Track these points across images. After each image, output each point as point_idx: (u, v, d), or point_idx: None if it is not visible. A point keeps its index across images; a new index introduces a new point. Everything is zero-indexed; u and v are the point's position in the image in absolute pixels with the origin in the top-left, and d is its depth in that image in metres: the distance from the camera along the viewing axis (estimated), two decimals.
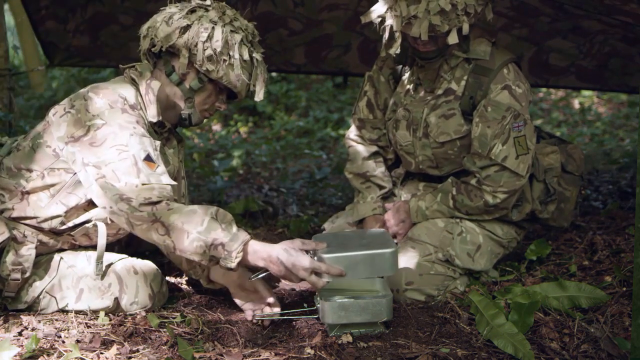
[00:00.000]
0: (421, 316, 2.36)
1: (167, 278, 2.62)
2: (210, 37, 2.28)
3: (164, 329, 2.19)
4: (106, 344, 2.07)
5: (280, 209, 4.22)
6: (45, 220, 2.28)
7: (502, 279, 2.65)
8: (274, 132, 7.21)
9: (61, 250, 2.37)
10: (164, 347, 2.08)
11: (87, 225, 2.31)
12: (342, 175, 4.90)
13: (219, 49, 2.29)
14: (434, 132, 2.66)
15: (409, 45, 2.61)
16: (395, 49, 2.60)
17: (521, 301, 2.30)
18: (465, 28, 2.44)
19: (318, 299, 2.24)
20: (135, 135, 2.17)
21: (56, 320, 2.25)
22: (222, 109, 2.48)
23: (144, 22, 2.39)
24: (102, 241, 2.30)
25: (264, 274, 2.24)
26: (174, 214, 2.09)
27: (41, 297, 2.29)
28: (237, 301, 2.37)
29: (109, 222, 2.29)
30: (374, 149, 2.89)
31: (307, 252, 2.15)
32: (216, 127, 7.45)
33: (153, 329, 2.20)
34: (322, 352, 2.05)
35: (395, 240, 2.75)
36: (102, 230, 2.30)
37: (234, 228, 2.12)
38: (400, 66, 2.79)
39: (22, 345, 2.00)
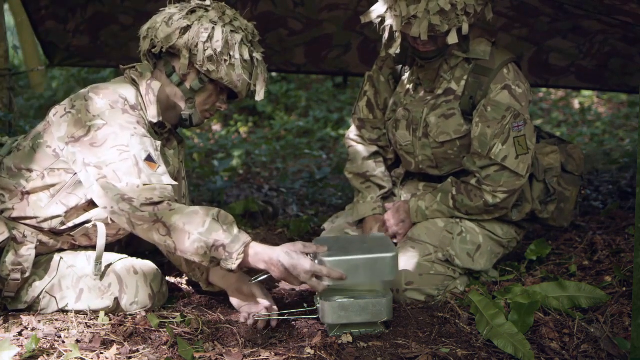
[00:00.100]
0: (421, 316, 2.36)
1: (167, 278, 2.62)
2: (210, 38, 2.29)
3: (164, 329, 2.19)
4: (106, 344, 2.07)
5: (280, 209, 4.22)
6: (45, 220, 2.28)
7: (502, 279, 2.65)
8: (274, 132, 7.21)
9: (61, 250, 2.37)
10: (164, 347, 2.08)
11: (87, 225, 2.31)
12: (342, 175, 4.90)
13: (219, 49, 2.29)
14: (433, 132, 2.66)
15: (409, 45, 2.61)
16: (395, 49, 2.60)
17: (521, 301, 2.30)
18: (465, 28, 2.44)
19: (318, 299, 2.24)
20: (136, 135, 2.18)
21: (56, 320, 2.25)
22: (223, 109, 2.48)
23: (144, 22, 2.39)
24: (101, 241, 2.30)
25: (265, 277, 2.24)
26: (175, 215, 2.10)
27: (41, 297, 2.29)
28: (235, 304, 2.37)
29: (110, 222, 2.29)
30: (374, 149, 2.89)
31: (307, 255, 2.15)
32: (216, 127, 7.46)
33: (153, 329, 2.20)
34: (322, 352, 2.05)
35: (395, 240, 2.75)
36: (102, 231, 2.30)
37: (235, 230, 2.12)
38: (400, 66, 2.79)
39: (22, 345, 2.00)
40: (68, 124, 2.22)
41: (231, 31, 2.32)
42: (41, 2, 3.95)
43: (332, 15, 4.00)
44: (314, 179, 5.09)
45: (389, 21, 2.50)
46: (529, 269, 2.76)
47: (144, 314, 2.32)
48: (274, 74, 7.90)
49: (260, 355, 2.04)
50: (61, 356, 1.99)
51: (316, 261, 2.16)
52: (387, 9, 2.49)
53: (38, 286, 2.28)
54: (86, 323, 2.23)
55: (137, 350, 2.05)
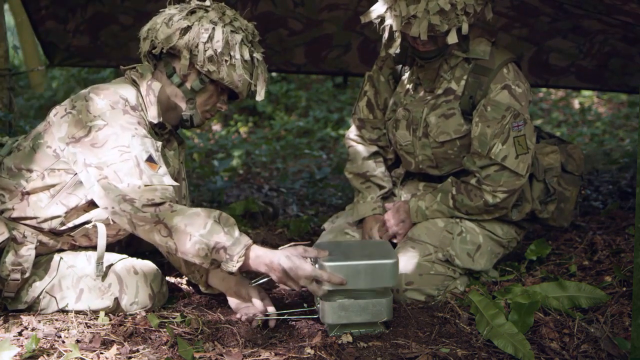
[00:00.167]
0: (421, 316, 2.36)
1: (167, 278, 2.62)
2: (211, 38, 2.29)
3: (164, 329, 2.19)
4: (106, 344, 2.07)
5: (280, 209, 4.22)
6: (45, 220, 2.28)
7: (502, 279, 2.65)
8: (274, 132, 7.21)
9: (61, 250, 2.37)
10: (164, 347, 2.08)
11: (87, 226, 2.31)
12: (342, 175, 4.91)
13: (219, 50, 2.29)
14: (433, 132, 2.66)
15: (409, 45, 2.61)
16: (395, 49, 2.60)
17: (521, 301, 2.30)
18: (465, 28, 2.44)
19: (318, 299, 2.24)
20: (137, 136, 2.18)
21: (56, 320, 2.25)
22: (224, 109, 2.48)
23: (144, 22, 2.39)
24: (102, 242, 2.30)
25: (265, 280, 2.24)
26: (177, 216, 2.10)
27: (41, 297, 2.29)
28: (233, 306, 2.37)
29: (111, 222, 2.29)
30: (374, 149, 2.89)
31: (308, 259, 2.16)
32: (216, 127, 7.46)
33: (153, 329, 2.20)
34: (322, 352, 2.05)
35: (395, 240, 2.75)
36: (102, 231, 2.30)
37: (237, 232, 2.12)
38: (400, 66, 2.79)
39: (22, 345, 2.00)
40: (68, 124, 2.22)
41: (231, 31, 2.32)
42: (41, 2, 3.95)
43: (332, 15, 4.00)
44: (314, 179, 5.09)
45: (388, 21, 2.50)
46: (529, 269, 2.76)
47: (144, 314, 2.32)
48: (274, 74, 7.90)
49: (260, 355, 2.04)
50: (61, 356, 1.99)
51: (317, 265, 2.16)
52: (387, 9, 2.49)
53: (38, 286, 2.28)
54: (86, 323, 2.23)
55: (137, 350, 2.05)
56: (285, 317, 2.29)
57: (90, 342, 2.08)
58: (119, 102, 2.22)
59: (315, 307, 2.26)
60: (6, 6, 5.41)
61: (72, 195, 2.26)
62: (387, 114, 2.82)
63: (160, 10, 2.39)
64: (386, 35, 2.55)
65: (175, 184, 2.21)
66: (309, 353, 2.05)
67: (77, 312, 2.30)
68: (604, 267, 2.69)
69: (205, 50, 2.29)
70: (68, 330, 2.17)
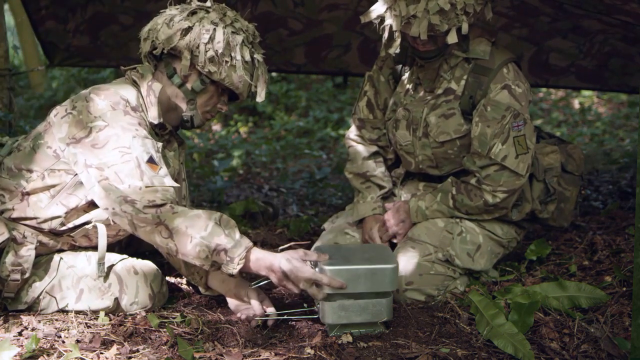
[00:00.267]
0: (421, 316, 2.36)
1: (167, 278, 2.62)
2: (212, 39, 2.28)
3: (164, 329, 2.19)
4: (106, 344, 2.07)
5: (280, 209, 4.22)
6: (45, 221, 2.28)
7: (502, 279, 2.65)
8: (274, 132, 7.21)
9: (61, 250, 2.37)
10: (164, 347, 2.08)
11: (87, 226, 2.31)
12: (342, 175, 4.91)
13: (220, 51, 2.29)
14: (433, 132, 2.66)
15: (409, 45, 2.61)
16: (395, 49, 2.59)
17: (521, 301, 2.30)
18: (465, 27, 2.44)
19: None
20: (137, 137, 2.18)
21: (56, 320, 2.25)
22: (224, 110, 2.48)
23: (144, 22, 2.39)
24: (102, 243, 2.30)
25: (265, 282, 2.25)
26: (178, 218, 2.10)
27: (41, 297, 2.29)
28: (233, 308, 2.38)
29: (111, 223, 2.29)
30: (374, 149, 2.89)
31: (308, 262, 2.16)
32: (216, 127, 7.46)
33: (153, 329, 2.20)
34: (322, 352, 2.05)
35: (395, 240, 2.75)
36: (102, 232, 2.30)
37: (237, 234, 2.13)
38: (400, 66, 2.79)
39: (22, 345, 2.00)
40: (69, 124, 2.22)
41: (232, 32, 2.32)
42: (41, 2, 3.95)
43: (332, 15, 4.00)
44: (314, 179, 5.09)
45: (388, 21, 2.50)
46: (529, 269, 2.76)
47: (144, 314, 2.32)
48: (274, 74, 7.90)
49: (260, 355, 2.04)
50: (61, 356, 1.99)
51: (317, 269, 2.16)
52: (387, 9, 2.49)
53: (38, 287, 2.28)
54: (86, 323, 2.23)
55: (137, 350, 2.05)
56: (285, 317, 2.29)
57: (90, 342, 2.08)
58: (120, 103, 2.22)
59: (315, 307, 2.26)
60: (6, 6, 5.41)
61: (72, 196, 2.26)
62: (387, 114, 2.82)
63: (161, 11, 2.38)
64: (386, 35, 2.55)
65: (176, 185, 2.21)
66: (309, 353, 2.05)
67: (77, 312, 2.30)
68: (604, 267, 2.69)
69: (207, 51, 2.29)
70: (68, 330, 2.17)
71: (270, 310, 2.28)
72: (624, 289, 2.43)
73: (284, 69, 5.09)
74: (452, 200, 2.64)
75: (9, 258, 2.22)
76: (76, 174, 2.23)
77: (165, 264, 2.61)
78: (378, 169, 2.86)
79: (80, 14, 4.05)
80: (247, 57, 2.33)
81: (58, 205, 2.26)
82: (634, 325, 1.87)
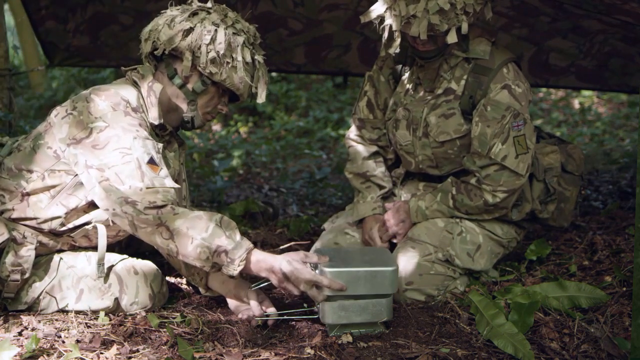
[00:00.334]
0: (421, 316, 2.36)
1: (167, 278, 2.62)
2: (213, 40, 2.29)
3: (164, 329, 2.19)
4: (106, 344, 2.07)
5: (280, 209, 4.22)
6: (45, 221, 2.28)
7: (502, 279, 2.65)
8: (274, 132, 7.21)
9: (61, 251, 2.37)
10: (164, 347, 2.08)
11: (87, 227, 2.31)
12: (342, 175, 4.91)
13: (222, 52, 2.29)
14: (433, 132, 2.66)
15: (409, 45, 2.62)
16: (395, 49, 2.60)
17: (521, 301, 2.30)
18: (464, 27, 2.44)
19: None
20: (138, 138, 2.18)
21: (56, 320, 2.25)
22: (224, 111, 2.48)
23: (144, 22, 2.39)
24: (102, 243, 2.30)
25: (265, 284, 2.25)
26: (179, 219, 2.10)
27: (41, 297, 2.29)
28: (233, 309, 2.38)
29: (111, 224, 2.29)
30: (374, 149, 2.89)
31: (308, 264, 2.16)
32: (216, 127, 7.46)
33: (153, 329, 2.20)
34: (322, 352, 2.05)
35: (395, 240, 2.75)
36: (102, 232, 2.30)
37: (238, 236, 2.13)
38: (400, 66, 2.79)
39: (22, 345, 2.00)
40: (69, 125, 2.22)
41: (233, 33, 2.32)
42: (41, 2, 3.95)
43: (332, 15, 3.99)
44: (314, 179, 5.09)
45: (388, 21, 2.50)
46: (529, 269, 2.76)
47: (144, 314, 2.32)
48: (274, 74, 7.90)
49: (260, 355, 2.05)
50: (61, 356, 1.99)
51: (317, 271, 2.16)
52: (387, 9, 2.49)
53: (38, 287, 2.28)
54: (86, 323, 2.23)
55: (137, 350, 2.05)
56: (285, 317, 2.29)
57: (90, 342, 2.08)
58: (120, 104, 2.22)
59: (315, 307, 2.26)
60: (6, 6, 5.41)
61: (72, 196, 2.26)
62: (387, 114, 2.82)
63: (162, 12, 2.38)
64: (386, 35, 2.55)
65: (177, 186, 2.21)
66: (309, 353, 2.05)
67: (77, 312, 2.30)
68: (604, 267, 2.69)
69: (208, 52, 2.29)
70: (68, 330, 2.17)
71: (271, 310, 2.28)
72: (624, 289, 2.43)
73: (284, 69, 5.09)
74: (452, 200, 2.64)
75: (9, 258, 2.22)
76: (76, 175, 2.23)
77: (165, 264, 2.61)
78: (378, 169, 2.86)
79: (80, 14, 4.05)
80: (248, 59, 2.33)
81: (58, 206, 2.26)
82: (634, 325, 1.87)
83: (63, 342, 2.08)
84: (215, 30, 2.29)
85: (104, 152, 2.15)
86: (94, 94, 2.24)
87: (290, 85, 8.23)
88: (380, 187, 2.85)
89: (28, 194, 2.26)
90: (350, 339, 2.15)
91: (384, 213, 2.80)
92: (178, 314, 2.33)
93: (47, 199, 2.26)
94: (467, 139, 2.64)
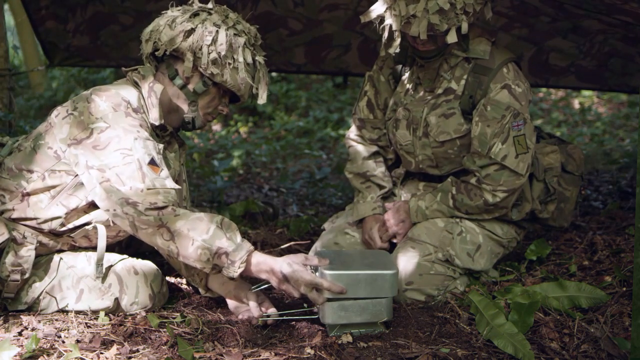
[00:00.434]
0: (421, 316, 2.36)
1: (167, 278, 2.62)
2: (214, 41, 2.29)
3: (164, 329, 2.19)
4: (106, 344, 2.07)
5: (280, 209, 4.22)
6: (45, 221, 2.28)
7: (502, 279, 2.65)
8: (274, 132, 7.21)
9: (61, 251, 2.37)
10: (164, 347, 2.08)
11: (87, 227, 2.31)
12: (342, 175, 4.91)
13: (223, 53, 2.29)
14: (433, 132, 2.66)
15: (409, 45, 2.62)
16: (395, 49, 2.60)
17: (521, 301, 2.30)
18: (464, 27, 2.44)
19: None
20: (139, 139, 2.18)
21: (56, 320, 2.25)
22: (225, 112, 2.48)
23: (144, 22, 2.39)
24: (102, 243, 2.30)
25: (265, 286, 2.25)
26: (180, 220, 2.10)
27: (41, 297, 2.29)
28: (232, 309, 2.38)
29: (112, 224, 2.29)
30: (374, 148, 2.89)
31: (309, 267, 2.17)
32: (216, 127, 7.46)
33: (153, 329, 2.20)
34: (322, 352, 2.05)
35: (395, 240, 2.75)
36: (102, 233, 2.30)
37: (239, 238, 2.13)
38: (400, 66, 2.79)
39: (22, 345, 2.00)
40: (70, 125, 2.22)
41: (234, 34, 2.32)
42: (41, 2, 3.94)
43: (332, 15, 3.99)
44: (314, 179, 5.09)
45: (388, 21, 2.50)
46: (529, 269, 2.76)
47: (144, 314, 2.32)
48: (274, 74, 7.90)
49: (260, 355, 2.05)
50: (61, 356, 1.99)
51: (317, 274, 2.17)
52: (387, 9, 2.49)
53: (38, 287, 2.28)
54: (86, 323, 2.23)
55: (137, 350, 2.05)
56: (285, 317, 2.29)
57: (90, 342, 2.08)
58: (121, 105, 2.22)
59: (315, 307, 2.26)
60: (6, 6, 5.41)
61: (73, 197, 2.26)
62: (387, 114, 2.82)
63: (163, 12, 2.38)
64: (386, 35, 2.55)
65: (178, 187, 2.22)
66: (309, 353, 2.05)
67: (77, 312, 2.30)
68: (604, 267, 2.69)
69: (209, 53, 2.29)
70: (68, 330, 2.17)
71: (271, 311, 2.29)
72: (624, 289, 2.43)
73: (284, 69, 5.09)
74: (452, 200, 2.64)
75: (9, 258, 2.22)
76: (77, 175, 2.23)
77: (165, 264, 2.61)
78: (378, 169, 2.86)
79: (80, 14, 4.05)
80: (249, 60, 2.34)
81: (58, 206, 2.26)
82: (634, 325, 1.87)
83: (63, 342, 2.08)
84: (217, 31, 2.29)
85: (104, 152, 2.16)
86: (94, 95, 2.24)
87: (290, 85, 8.23)
88: (380, 187, 2.85)
89: (28, 194, 2.27)
90: (350, 339, 2.15)
91: (384, 213, 2.80)
92: (178, 314, 2.33)
93: (47, 199, 2.26)
94: (467, 138, 2.64)
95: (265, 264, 2.13)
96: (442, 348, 2.10)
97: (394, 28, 2.49)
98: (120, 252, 2.52)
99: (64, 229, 2.30)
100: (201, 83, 2.37)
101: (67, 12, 4.03)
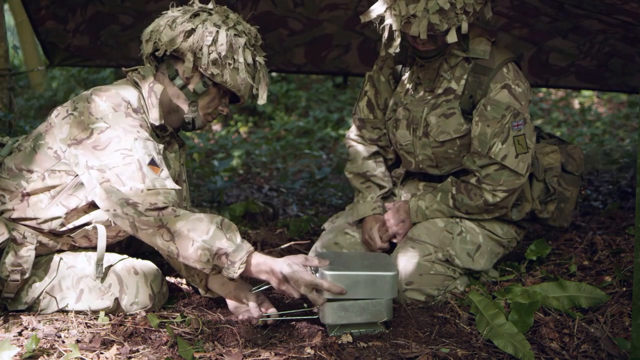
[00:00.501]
0: (421, 316, 2.36)
1: (167, 278, 2.62)
2: (215, 41, 2.29)
3: (164, 329, 2.19)
4: (106, 344, 2.07)
5: (280, 209, 4.22)
6: (45, 221, 2.28)
7: (502, 279, 2.65)
8: (274, 132, 7.21)
9: (61, 251, 2.37)
10: (164, 347, 2.08)
11: (87, 227, 2.31)
12: (342, 175, 4.91)
13: (223, 53, 2.29)
14: (434, 132, 2.66)
15: (409, 45, 2.62)
16: (395, 49, 2.60)
17: (521, 301, 2.30)
18: (464, 27, 2.44)
19: None
20: (139, 139, 2.18)
21: (56, 320, 2.25)
22: (225, 112, 2.49)
23: (144, 22, 2.39)
24: (102, 243, 2.30)
25: (266, 287, 2.25)
26: (180, 221, 2.10)
27: (41, 297, 2.29)
28: (232, 310, 2.38)
29: (112, 224, 2.29)
30: (374, 148, 2.89)
31: (309, 268, 2.17)
32: (216, 127, 7.46)
33: (153, 329, 2.20)
34: (322, 352, 2.05)
35: (395, 240, 2.75)
36: (102, 233, 2.30)
37: (239, 238, 2.13)
38: (401, 66, 2.79)
39: (22, 345, 2.00)
40: (70, 125, 2.22)
41: (235, 35, 2.32)
42: (41, 2, 3.94)
43: (332, 15, 3.99)
44: (314, 179, 5.09)
45: (388, 20, 2.50)
46: (529, 269, 2.76)
47: (144, 314, 2.32)
48: (274, 74, 7.90)
49: (260, 355, 2.05)
50: (61, 356, 1.99)
51: (317, 274, 2.17)
52: (387, 9, 2.49)
53: (38, 287, 2.28)
54: (86, 323, 2.23)
55: (137, 350, 2.05)
56: (286, 317, 2.29)
57: (90, 342, 2.08)
58: (122, 105, 2.22)
59: (315, 307, 2.26)
60: (6, 6, 5.41)
61: (73, 197, 2.26)
62: (387, 114, 2.82)
63: (163, 12, 2.38)
64: (386, 35, 2.55)
65: (178, 187, 2.22)
66: (309, 353, 2.05)
67: (77, 312, 2.30)
68: (604, 267, 2.69)
69: (210, 54, 2.29)
70: (68, 330, 2.17)
71: (271, 311, 2.29)
72: (624, 289, 2.43)
73: (284, 69, 5.09)
74: (452, 200, 2.64)
75: (9, 258, 2.22)
76: (77, 175, 2.23)
77: (165, 264, 2.61)
78: (378, 169, 2.86)
79: (80, 14, 4.04)
80: (250, 60, 2.34)
81: (58, 206, 2.26)
82: (634, 325, 1.87)
83: (63, 342, 2.08)
84: (217, 32, 2.29)
85: (104, 153, 2.16)
86: (94, 95, 2.24)
87: (290, 85, 8.23)
88: (380, 187, 2.85)
89: (28, 194, 2.26)
90: (350, 339, 2.15)
91: (384, 213, 2.80)
92: (178, 314, 2.33)
93: (47, 199, 2.26)
94: (467, 138, 2.64)
95: (265, 264, 2.14)
96: (442, 348, 2.10)
97: (394, 28, 2.49)
98: (120, 252, 2.52)
99: (64, 229, 2.30)
100: (201, 83, 2.37)
101: (67, 12, 4.03)
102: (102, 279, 2.30)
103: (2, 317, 2.24)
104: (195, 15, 2.33)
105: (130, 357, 2.01)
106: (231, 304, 2.38)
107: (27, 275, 2.24)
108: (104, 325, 2.22)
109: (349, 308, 2.18)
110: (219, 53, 2.29)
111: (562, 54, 3.96)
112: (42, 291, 2.28)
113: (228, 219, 2.19)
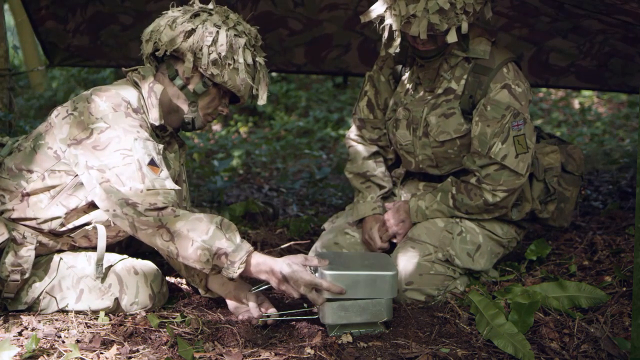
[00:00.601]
0: (421, 316, 2.36)
1: (167, 278, 2.62)
2: (215, 41, 2.29)
3: (164, 329, 2.19)
4: (106, 344, 2.07)
5: (280, 209, 4.22)
6: (45, 221, 2.28)
7: (502, 279, 2.65)
8: (274, 132, 7.21)
9: (61, 251, 2.37)
10: (164, 347, 2.08)
11: (86, 227, 2.31)
12: (342, 175, 4.90)
13: (223, 53, 2.29)
14: (434, 132, 2.66)
15: (409, 45, 2.62)
16: (395, 49, 2.60)
17: (521, 301, 2.30)
18: (464, 27, 2.44)
19: None
20: (139, 139, 2.18)
21: (56, 320, 2.25)
22: (225, 113, 2.49)
23: (144, 22, 2.39)
24: (102, 243, 2.30)
25: (265, 287, 2.25)
26: (180, 221, 2.10)
27: (41, 297, 2.29)
28: (232, 310, 2.38)
29: (112, 225, 2.29)
30: (374, 148, 2.89)
31: (308, 268, 2.17)
32: (216, 127, 7.46)
33: (153, 329, 2.20)
34: (322, 352, 2.05)
35: (395, 240, 2.75)
36: (102, 233, 2.30)
37: (238, 238, 2.13)
38: (401, 66, 2.79)
39: (22, 345, 2.00)
40: (70, 125, 2.22)
41: (235, 35, 2.32)
42: (41, 2, 3.94)
43: (332, 15, 3.99)
44: (314, 179, 5.09)
45: (388, 20, 2.50)
46: (529, 269, 2.76)
47: (144, 314, 2.32)
48: (274, 74, 7.90)
49: (260, 355, 2.05)
50: (61, 356, 1.99)
51: (317, 274, 2.17)
52: (387, 9, 2.49)
53: (38, 287, 2.28)
54: (86, 323, 2.23)
55: (137, 350, 2.05)
56: (286, 317, 2.29)
57: (90, 342, 2.08)
58: (121, 105, 2.22)
59: (315, 307, 2.26)
60: (6, 6, 5.41)
61: (73, 197, 2.26)
62: (387, 114, 2.82)
63: (163, 12, 2.39)
64: (386, 34, 2.55)
65: (177, 187, 2.22)
66: (309, 353, 2.05)
67: (77, 312, 2.30)
68: (604, 267, 2.69)
69: (210, 54, 2.29)
70: (68, 330, 2.17)
71: (271, 311, 2.29)
72: (624, 289, 2.43)
73: (284, 69, 5.09)
74: (452, 200, 2.64)
75: (9, 258, 2.22)
76: (76, 175, 2.23)
77: (165, 264, 2.61)
78: (378, 169, 2.86)
79: (80, 14, 4.04)
80: (250, 60, 2.34)
81: (58, 206, 2.26)
82: (634, 325, 1.87)
83: (63, 342, 2.08)
84: (217, 32, 2.29)
85: (104, 153, 2.16)
86: (94, 95, 2.24)
87: (290, 85, 8.23)
88: (380, 187, 2.85)
89: (28, 194, 2.26)
90: (350, 339, 2.16)
91: (384, 213, 2.80)
92: (178, 314, 2.33)
93: (47, 199, 2.26)
94: (467, 138, 2.64)
95: (264, 264, 2.14)
96: (442, 348, 2.10)
97: (394, 28, 2.49)
98: (120, 252, 2.52)
99: (63, 229, 2.30)
100: (201, 84, 2.37)
101: (67, 12, 4.03)
102: (102, 279, 2.30)
103: (2, 317, 2.24)
104: (196, 15, 2.33)
105: (130, 357, 2.01)
106: (231, 304, 2.38)
107: (27, 275, 2.24)
108: (104, 325, 2.22)
109: (349, 308, 2.18)
110: (219, 53, 2.29)
111: (562, 54, 3.96)
112: (42, 291, 2.28)
113: (228, 219, 2.20)
